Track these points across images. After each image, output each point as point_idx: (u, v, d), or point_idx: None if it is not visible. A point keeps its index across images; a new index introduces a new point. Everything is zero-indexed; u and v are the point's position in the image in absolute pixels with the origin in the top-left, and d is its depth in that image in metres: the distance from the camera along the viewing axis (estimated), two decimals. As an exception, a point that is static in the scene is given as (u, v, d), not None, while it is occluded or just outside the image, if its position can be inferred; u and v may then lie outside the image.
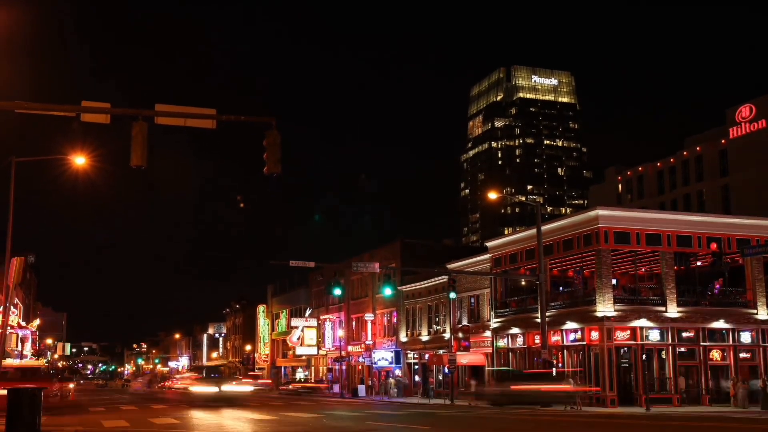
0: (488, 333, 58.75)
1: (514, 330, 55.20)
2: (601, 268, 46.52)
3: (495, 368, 55.81)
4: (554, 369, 46.64)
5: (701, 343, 47.74)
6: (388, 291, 64.09)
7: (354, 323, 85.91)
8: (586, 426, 27.29)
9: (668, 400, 45.15)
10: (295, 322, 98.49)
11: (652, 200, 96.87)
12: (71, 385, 55.59)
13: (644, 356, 45.15)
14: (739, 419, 30.03)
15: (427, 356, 67.46)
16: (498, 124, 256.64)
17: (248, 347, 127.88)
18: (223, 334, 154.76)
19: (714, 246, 47.61)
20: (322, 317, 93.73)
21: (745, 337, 48.92)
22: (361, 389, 72.33)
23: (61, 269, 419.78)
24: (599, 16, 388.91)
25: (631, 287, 50.40)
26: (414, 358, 71.82)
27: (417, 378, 70.20)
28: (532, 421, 30.22)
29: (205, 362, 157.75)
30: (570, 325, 49.08)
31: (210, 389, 42.70)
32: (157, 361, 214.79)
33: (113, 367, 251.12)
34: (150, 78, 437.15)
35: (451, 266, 62.75)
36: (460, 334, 60.64)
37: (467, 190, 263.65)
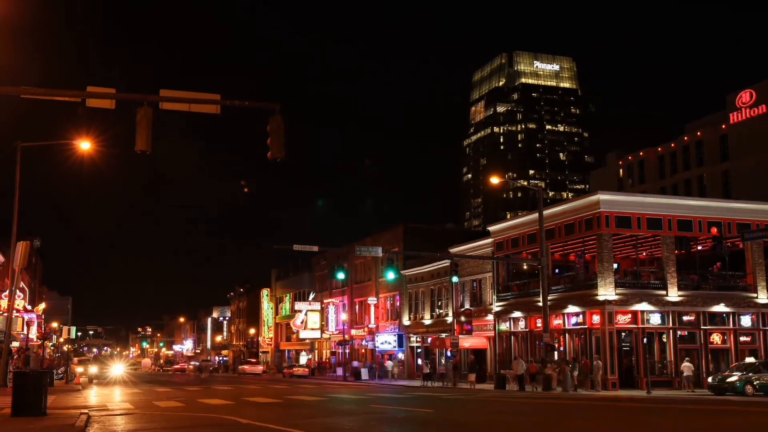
0: (490, 317, 59.08)
1: (516, 314, 55.54)
2: (602, 252, 46.81)
3: None
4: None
5: (702, 327, 48.08)
6: (391, 275, 64.36)
7: (357, 307, 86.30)
8: (586, 410, 27.58)
9: (669, 384, 45.53)
10: (298, 305, 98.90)
11: (653, 185, 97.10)
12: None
13: (645, 340, 45.49)
14: (739, 402, 30.34)
15: (429, 340, 67.81)
16: (500, 109, 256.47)
17: (252, 331, 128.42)
18: (227, 318, 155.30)
19: (714, 230, 47.83)
20: (325, 301, 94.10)
21: (746, 321, 49.26)
22: (364, 372, 72.71)
23: (67, 253, 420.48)
24: (600, 2, 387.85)
25: (632, 271, 50.68)
26: (417, 342, 72.21)
27: (419, 361, 70.57)
28: (532, 404, 30.55)
29: (209, 345, 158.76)
30: (571, 308, 49.41)
31: None
32: (161, 344, 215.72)
33: (118, 350, 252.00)
34: (152, 73, 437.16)
35: (453, 250, 63.05)
36: (463, 318, 61.02)
37: (469, 175, 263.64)
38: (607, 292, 46.09)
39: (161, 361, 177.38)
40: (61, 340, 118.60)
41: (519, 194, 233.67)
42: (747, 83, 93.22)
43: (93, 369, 65.22)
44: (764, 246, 49.95)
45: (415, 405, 28.02)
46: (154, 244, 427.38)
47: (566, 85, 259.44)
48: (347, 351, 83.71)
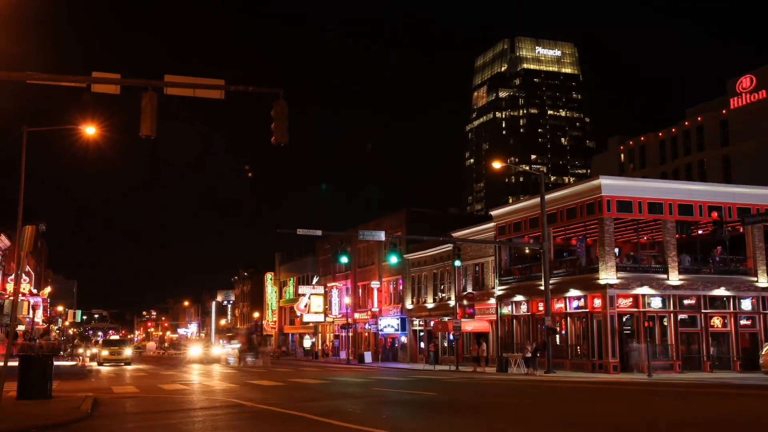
0: (492, 300, 59.36)
1: (518, 297, 55.80)
2: (603, 237, 47.03)
3: None
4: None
5: (702, 311, 48.31)
6: (394, 259, 64.58)
7: (360, 291, 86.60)
8: (587, 392, 27.84)
9: (670, 367, 45.83)
10: (302, 289, 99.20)
11: (654, 169, 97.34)
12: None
13: (646, 323, 45.77)
14: (740, 386, 30.61)
15: (432, 323, 68.13)
16: (502, 94, 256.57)
17: (256, 314, 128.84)
18: (231, 302, 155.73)
19: (715, 214, 48.06)
20: (329, 285, 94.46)
21: (746, 305, 49.50)
22: (367, 356, 73.09)
23: (72, 237, 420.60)
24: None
25: (634, 255, 50.91)
26: (419, 325, 72.50)
27: (422, 345, 70.94)
28: (535, 387, 30.81)
29: (213, 329, 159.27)
30: (573, 292, 49.65)
31: None
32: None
33: (123, 334, 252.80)
34: (154, 61, 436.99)
35: (456, 234, 63.31)
36: (465, 302, 61.25)
37: (472, 160, 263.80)
38: (608, 276, 46.33)
39: (166, 344, 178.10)
40: (67, 323, 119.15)
41: (521, 179, 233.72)
42: (748, 68, 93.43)
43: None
44: (764, 230, 50.16)
45: (418, 388, 28.28)
46: (159, 228, 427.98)
47: (568, 70, 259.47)
48: (351, 334, 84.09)
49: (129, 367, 56.14)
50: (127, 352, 63.19)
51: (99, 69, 22.85)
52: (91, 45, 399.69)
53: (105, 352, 61.48)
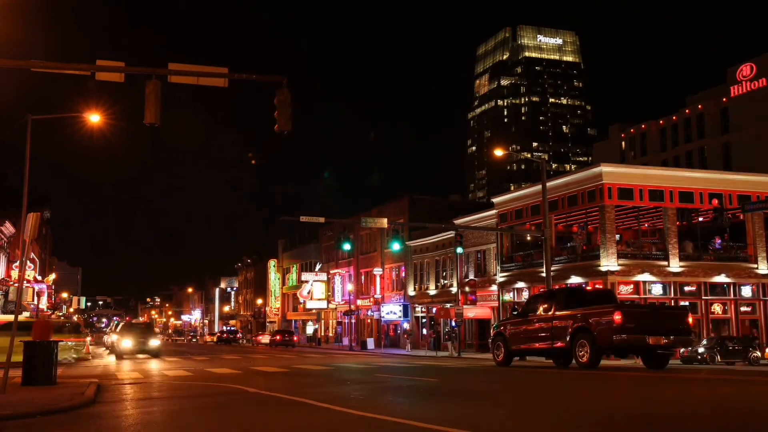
0: (494, 287, 59.61)
1: (520, 284, 56.02)
2: (605, 224, 47.24)
3: None
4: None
5: (703, 297, 48.57)
6: (396, 246, 64.75)
7: (363, 277, 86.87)
8: (593, 379, 27.97)
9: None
10: (305, 276, 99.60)
11: (654, 157, 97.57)
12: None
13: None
14: (743, 372, 30.76)
15: (434, 310, 68.38)
16: (504, 82, 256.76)
17: (259, 301, 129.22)
18: (234, 288, 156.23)
19: (715, 202, 48.22)
20: (331, 272, 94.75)
21: (746, 291, 49.77)
22: (370, 342, 73.37)
23: (77, 224, 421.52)
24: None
25: (634, 242, 51.13)
26: (422, 312, 72.79)
27: (424, 331, 71.17)
28: (537, 374, 30.95)
29: (217, 316, 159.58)
30: (574, 279, 49.85)
31: None
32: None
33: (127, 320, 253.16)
34: (156, 52, 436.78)
35: (458, 222, 63.52)
36: (467, 288, 61.51)
37: (474, 147, 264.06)
38: (609, 263, 46.54)
39: (170, 331, 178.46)
40: (71, 310, 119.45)
41: (522, 166, 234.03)
42: (748, 56, 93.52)
43: (126, 342, 49.04)
44: (764, 217, 50.37)
45: (420, 374, 28.38)
46: (163, 215, 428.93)
47: (569, 58, 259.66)
48: (353, 321, 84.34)
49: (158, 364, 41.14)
50: (153, 342, 49.70)
51: (103, 57, 22.97)
52: (94, 41, 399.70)
53: (128, 342, 48.50)
